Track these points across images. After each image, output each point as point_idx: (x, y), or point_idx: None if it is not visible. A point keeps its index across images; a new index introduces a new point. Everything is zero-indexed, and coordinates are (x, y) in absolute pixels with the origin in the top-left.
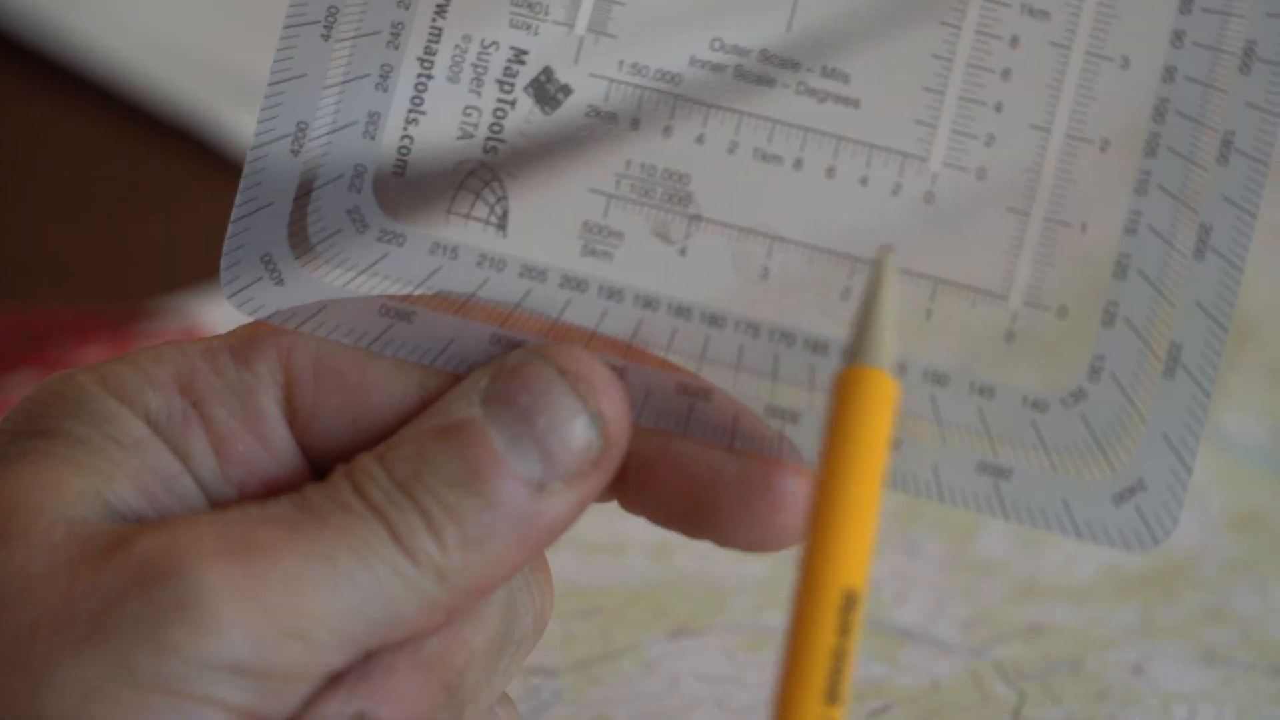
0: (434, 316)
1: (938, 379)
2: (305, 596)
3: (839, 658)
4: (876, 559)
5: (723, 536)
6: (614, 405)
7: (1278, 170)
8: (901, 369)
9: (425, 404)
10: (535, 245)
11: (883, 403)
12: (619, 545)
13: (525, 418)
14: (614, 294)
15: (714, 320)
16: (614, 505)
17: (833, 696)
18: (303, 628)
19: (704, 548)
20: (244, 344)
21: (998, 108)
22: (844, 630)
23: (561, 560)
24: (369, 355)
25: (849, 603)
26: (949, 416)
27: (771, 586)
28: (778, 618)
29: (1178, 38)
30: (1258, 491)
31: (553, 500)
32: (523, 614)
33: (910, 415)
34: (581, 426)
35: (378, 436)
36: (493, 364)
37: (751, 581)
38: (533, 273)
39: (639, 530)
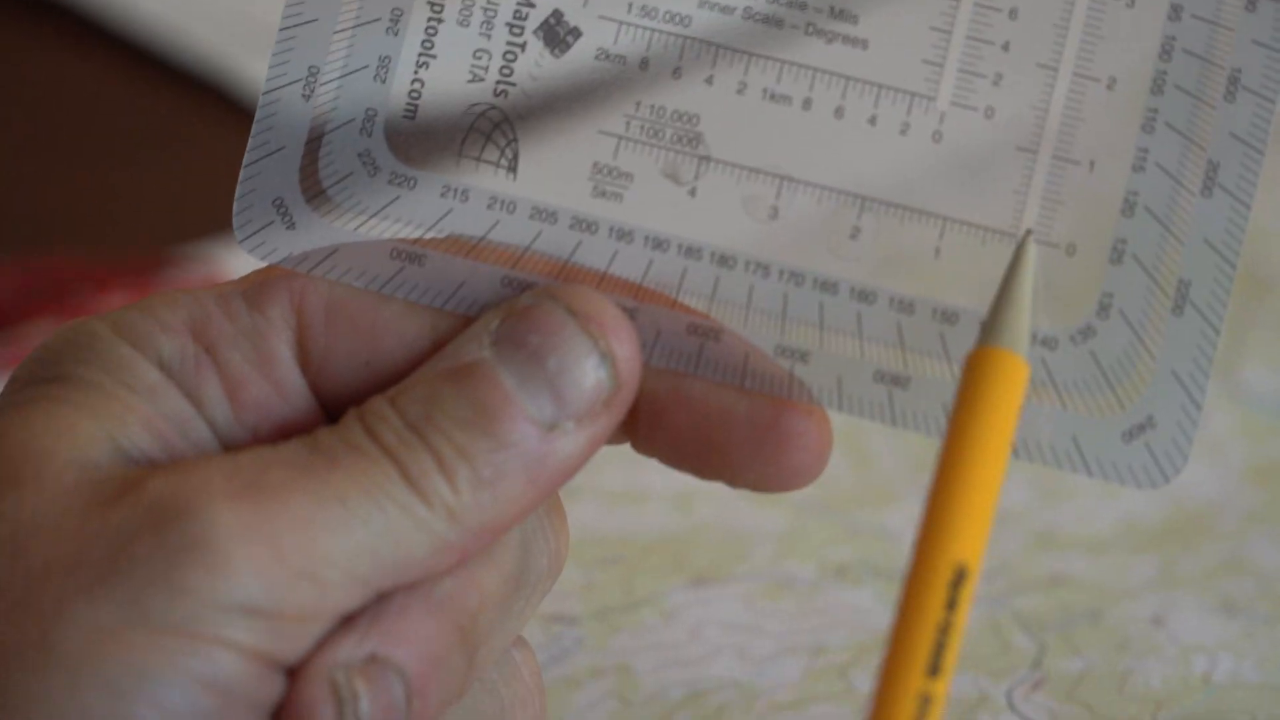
0: (445, 259)
1: (947, 317)
2: (317, 537)
3: (944, 631)
4: (896, 508)
5: (733, 476)
6: (625, 345)
7: None
8: (910, 307)
9: (437, 346)
10: (546, 187)
11: (1013, 385)
12: (640, 494)
13: (536, 358)
14: (624, 235)
15: (724, 260)
16: (634, 455)
17: (935, 670)
18: (314, 568)
19: (725, 497)
20: (256, 289)
21: (1005, 47)
22: (952, 605)
23: (583, 509)
24: (380, 298)
25: (959, 577)
26: (959, 354)
27: (792, 536)
28: (798, 567)
29: None
30: (1277, 443)
31: (564, 440)
32: (537, 556)
33: (920, 353)
34: (592, 367)
35: (390, 379)
36: (503, 306)
37: (772, 531)
38: (543, 215)
39: (660, 479)
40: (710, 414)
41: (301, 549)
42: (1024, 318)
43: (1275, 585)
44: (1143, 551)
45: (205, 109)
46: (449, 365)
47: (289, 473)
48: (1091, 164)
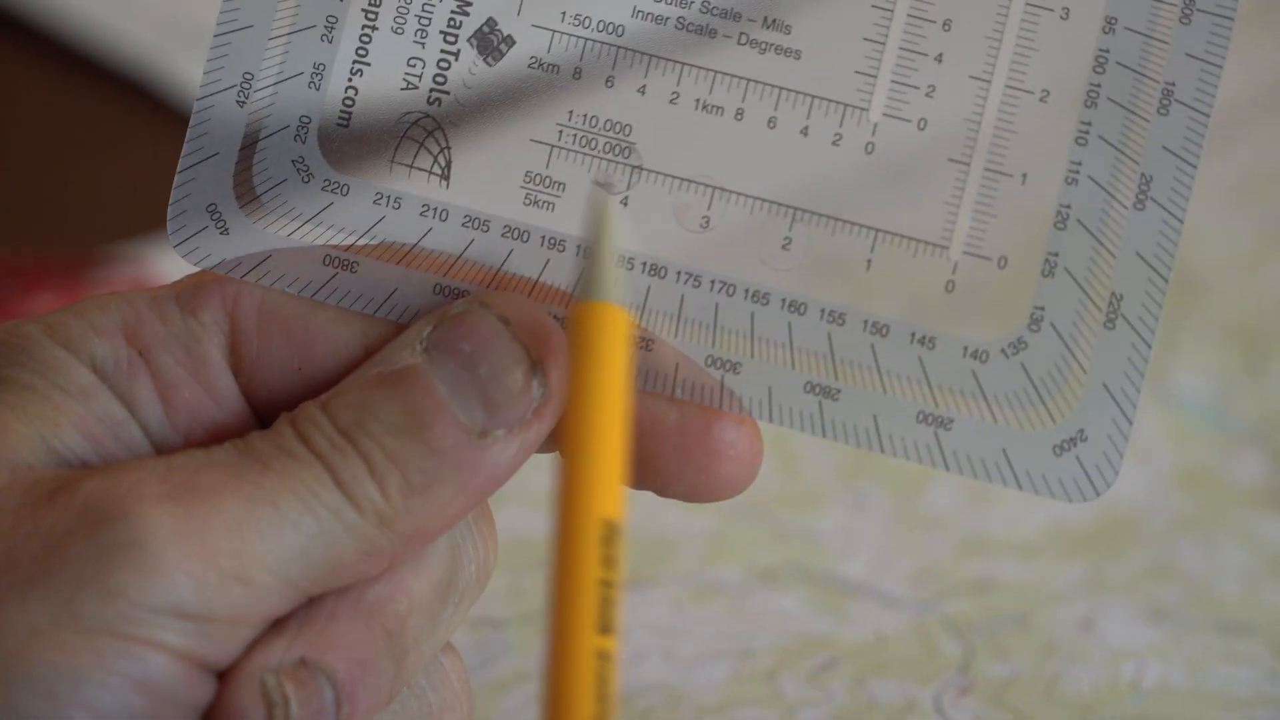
0: (378, 266)
1: (877, 329)
2: (248, 540)
3: (606, 588)
4: (824, 512)
5: (663, 485)
6: (556, 354)
7: (1230, 126)
8: (840, 318)
9: (368, 353)
10: (478, 195)
11: (617, 334)
12: None
13: (468, 365)
14: (556, 243)
15: (655, 270)
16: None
17: (605, 628)
18: (245, 571)
19: (651, 500)
20: (190, 292)
21: (938, 58)
22: (608, 563)
23: (510, 514)
24: (313, 304)
25: (610, 534)
26: (889, 366)
27: (720, 539)
28: (725, 571)
29: None
30: (1206, 449)
31: (495, 448)
32: (466, 563)
33: (850, 364)
34: (523, 374)
35: (322, 385)
36: (435, 313)
37: (700, 534)
38: (476, 222)
39: None
40: (641, 423)
41: (233, 551)
42: (611, 267)
43: (1203, 591)
44: (1071, 556)
45: (136, 109)
46: (381, 371)
47: (221, 476)
48: (1024, 176)
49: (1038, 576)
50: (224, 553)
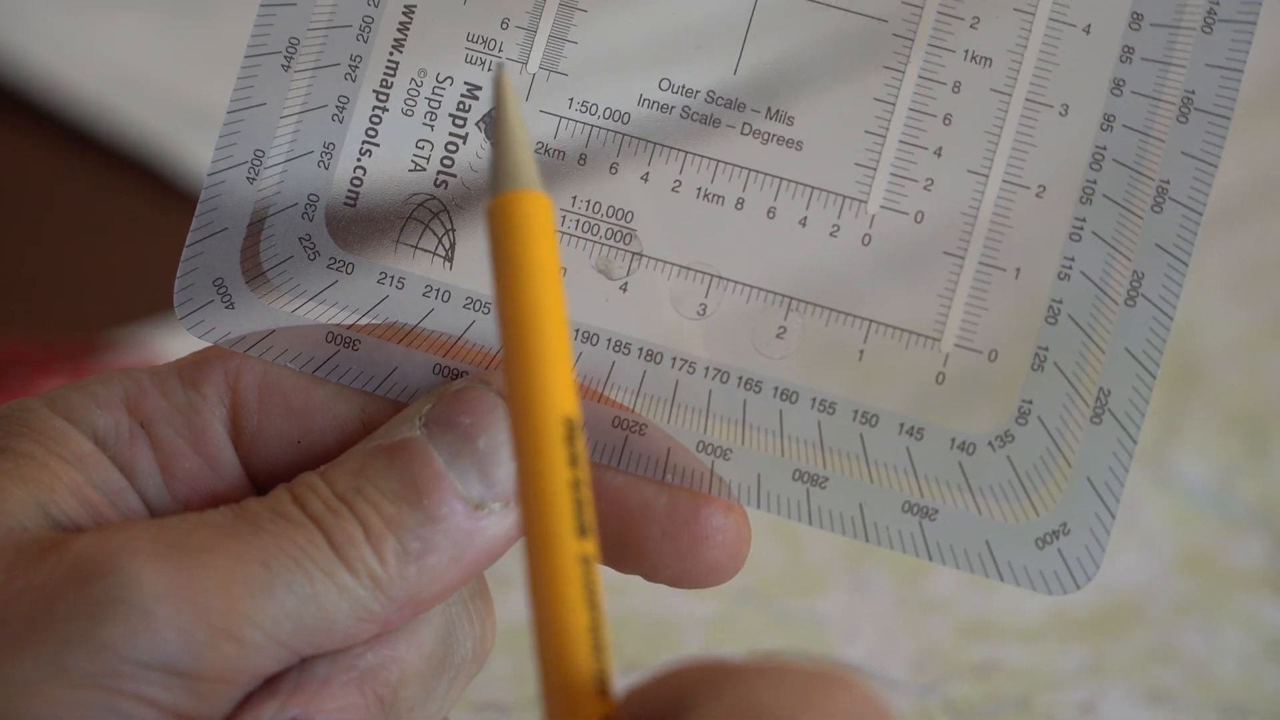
0: (379, 345)
1: (867, 418)
2: (238, 597)
3: (577, 488)
4: (826, 596)
5: (650, 570)
6: None
7: (1233, 215)
8: (831, 407)
9: (367, 429)
10: (481, 278)
11: (541, 219)
12: None
13: (466, 438)
14: None
15: (651, 355)
16: None
17: (582, 530)
18: (235, 628)
19: (656, 585)
20: (192, 367)
21: (938, 152)
22: (573, 461)
23: (515, 598)
24: (314, 380)
25: (570, 432)
26: (877, 456)
27: (722, 624)
28: (729, 655)
29: (1117, 86)
30: (1207, 534)
31: (491, 520)
32: (462, 639)
33: (839, 453)
34: None
35: (320, 459)
36: (436, 391)
37: (702, 619)
38: (477, 305)
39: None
40: (630, 506)
41: (223, 609)
42: (525, 154)
43: (1203, 674)
44: (1073, 639)
45: (146, 192)
46: (381, 443)
47: (213, 535)
48: (1018, 271)
49: (1039, 660)
50: (214, 609)
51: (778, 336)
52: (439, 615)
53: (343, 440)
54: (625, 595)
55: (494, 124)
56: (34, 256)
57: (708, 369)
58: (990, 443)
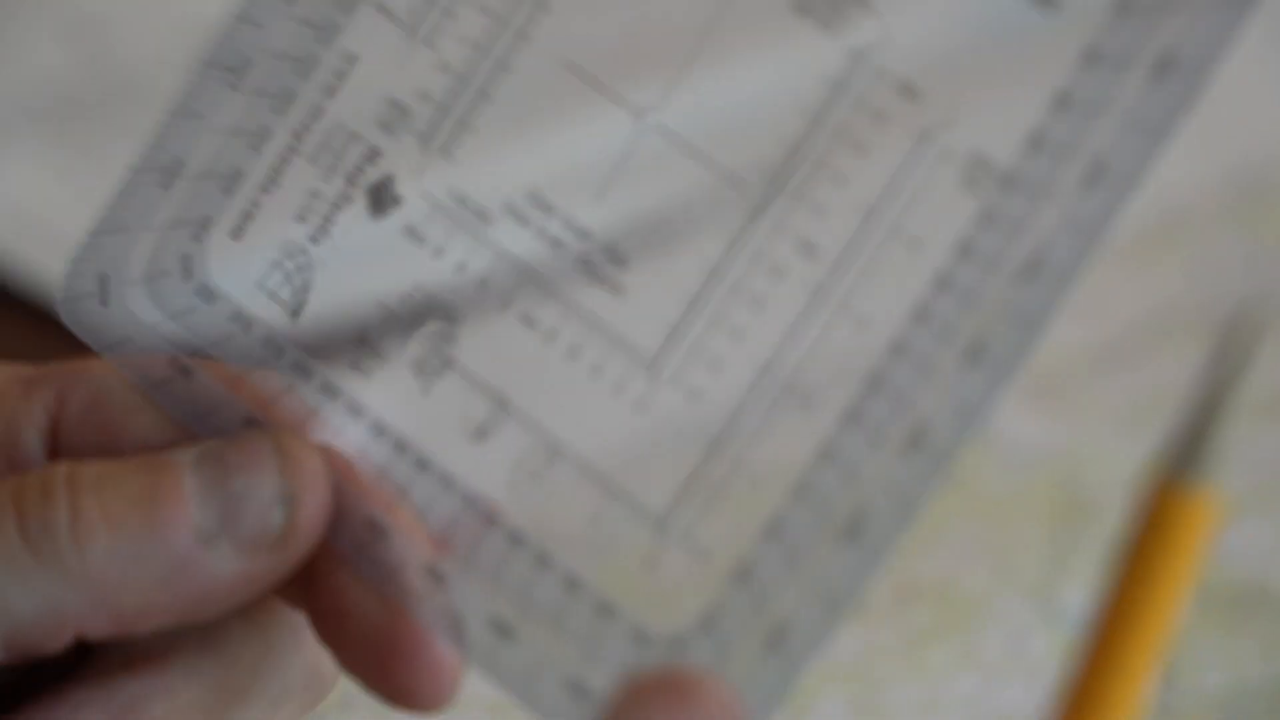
0: (207, 383)
1: (571, 585)
2: None
3: None
4: None
5: (369, 681)
6: (313, 496)
7: (1125, 350)
8: (573, 581)
9: None
10: (313, 342)
11: (1202, 532)
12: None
13: (224, 474)
14: (356, 411)
15: (421, 465)
16: None
17: None
18: None
19: None
20: (34, 377)
21: (738, 335)
22: None
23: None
24: (141, 408)
25: None
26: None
27: None
28: None
29: (920, 316)
30: None
31: (213, 557)
32: (281, 667)
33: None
34: (270, 499)
35: None
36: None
37: None
38: (300, 369)
39: (474, 685)
40: (352, 619)
41: None
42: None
43: None
44: None
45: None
46: (148, 458)
47: None
48: (754, 481)
49: None
50: None
51: (532, 478)
52: (236, 644)
53: None
54: (509, 714)
55: (1212, 383)
56: None
57: (463, 492)
58: (668, 643)
